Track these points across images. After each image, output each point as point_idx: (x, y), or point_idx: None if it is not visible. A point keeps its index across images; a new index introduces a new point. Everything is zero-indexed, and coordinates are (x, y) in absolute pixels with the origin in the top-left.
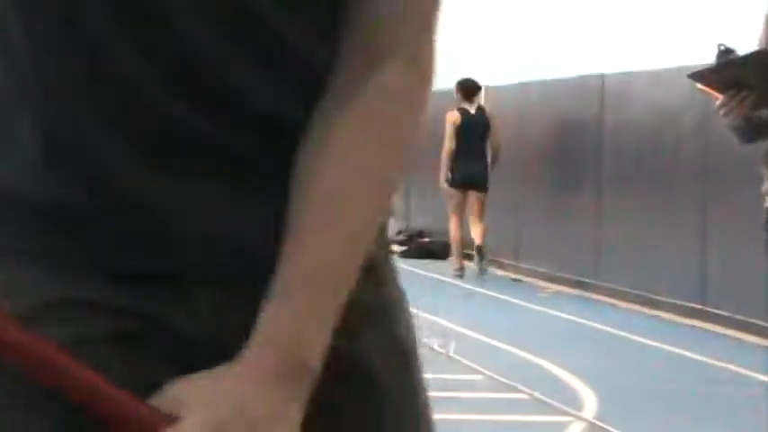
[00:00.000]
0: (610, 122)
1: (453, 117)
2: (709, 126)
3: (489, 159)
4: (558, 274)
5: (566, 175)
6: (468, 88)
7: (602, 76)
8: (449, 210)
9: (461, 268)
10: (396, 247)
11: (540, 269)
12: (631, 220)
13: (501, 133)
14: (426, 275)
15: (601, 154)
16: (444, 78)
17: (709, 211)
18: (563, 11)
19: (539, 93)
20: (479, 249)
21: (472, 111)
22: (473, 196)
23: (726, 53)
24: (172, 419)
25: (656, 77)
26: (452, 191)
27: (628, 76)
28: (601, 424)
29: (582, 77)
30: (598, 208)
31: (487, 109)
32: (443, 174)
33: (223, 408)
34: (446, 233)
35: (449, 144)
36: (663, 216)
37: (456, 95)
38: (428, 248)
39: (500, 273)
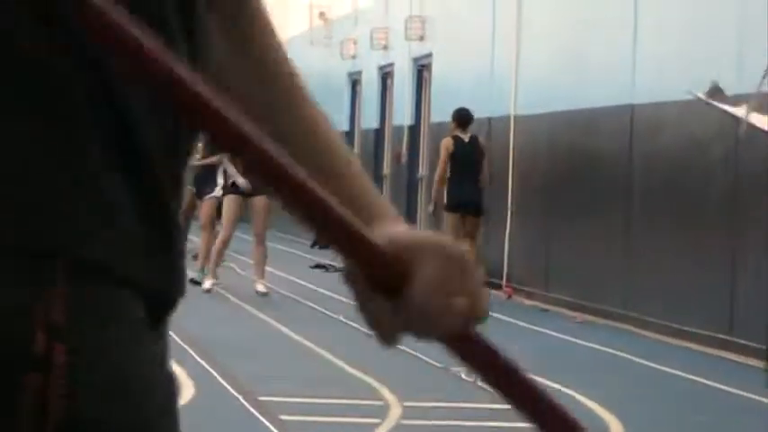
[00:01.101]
0: (639, 152)
1: (447, 144)
2: (739, 156)
3: (486, 181)
4: (587, 304)
5: (595, 204)
6: (462, 117)
7: (631, 107)
8: (448, 231)
9: None
10: None
11: (569, 298)
12: (660, 250)
13: (527, 162)
14: None
15: (630, 184)
16: (479, 107)
17: (739, 242)
18: (593, 41)
19: (569, 122)
20: None
21: (466, 139)
22: (468, 223)
23: (715, 91)
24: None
25: (686, 108)
26: (448, 215)
27: (658, 107)
28: None
29: (612, 108)
30: (627, 237)
31: (512, 139)
32: (434, 198)
33: (444, 252)
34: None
35: (441, 170)
36: (692, 246)
37: (451, 124)
38: None
39: (528, 302)
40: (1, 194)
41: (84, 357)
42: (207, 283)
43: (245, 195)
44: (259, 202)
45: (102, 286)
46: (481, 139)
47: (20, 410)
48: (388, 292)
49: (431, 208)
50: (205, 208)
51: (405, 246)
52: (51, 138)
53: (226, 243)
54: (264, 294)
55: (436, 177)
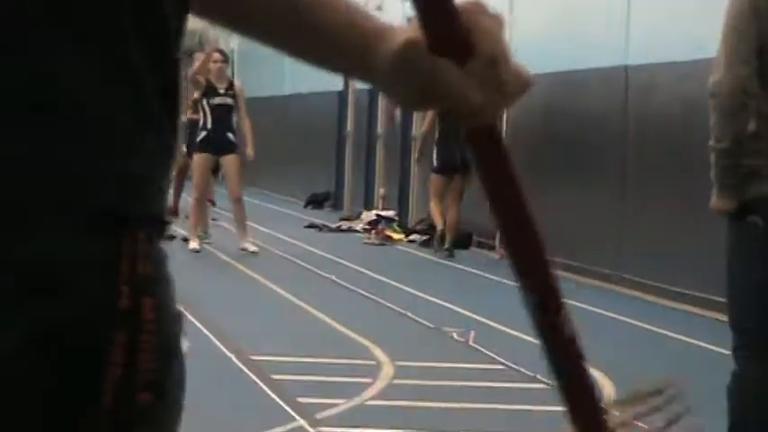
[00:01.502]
0: (633, 113)
1: None
2: None
3: None
4: (581, 266)
5: (589, 165)
6: None
7: (625, 68)
8: (431, 194)
9: (449, 249)
10: (416, 237)
11: (561, 259)
12: (654, 211)
13: (521, 123)
14: (447, 265)
15: (624, 145)
16: None
17: None
18: (587, 1)
19: (562, 84)
20: (444, 234)
21: None
22: (456, 181)
23: None
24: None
25: (681, 69)
26: (434, 176)
27: (652, 68)
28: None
29: (606, 69)
30: (621, 198)
31: None
32: (417, 154)
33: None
34: (468, 222)
35: (426, 126)
36: (686, 207)
37: None
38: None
39: None
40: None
41: (165, 311)
42: (192, 244)
43: (216, 153)
44: (230, 160)
45: (156, 234)
46: None
47: (110, 369)
48: (458, 60)
49: (417, 155)
50: None
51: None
52: (113, 95)
53: (200, 202)
54: (254, 253)
55: (421, 133)
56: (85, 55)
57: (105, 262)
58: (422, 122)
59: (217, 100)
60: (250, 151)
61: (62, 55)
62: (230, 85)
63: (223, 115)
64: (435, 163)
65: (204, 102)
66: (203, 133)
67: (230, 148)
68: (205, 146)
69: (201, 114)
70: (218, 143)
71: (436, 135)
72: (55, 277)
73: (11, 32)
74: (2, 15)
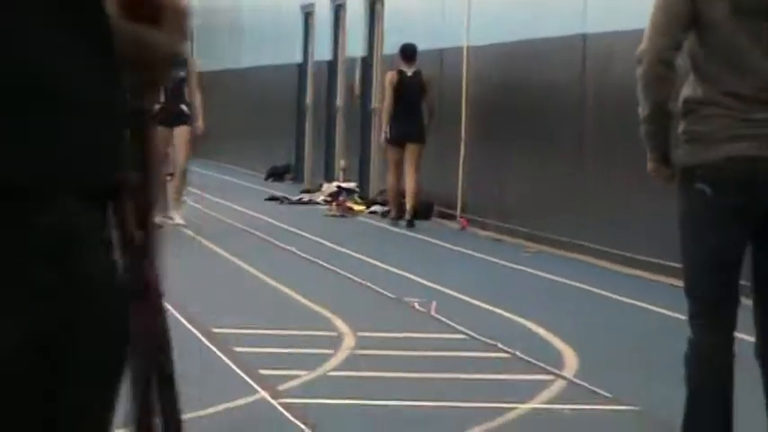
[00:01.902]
0: (592, 82)
1: (391, 77)
2: None
3: (426, 118)
4: (540, 234)
5: (548, 134)
6: (406, 52)
7: (584, 36)
8: (389, 163)
9: (397, 217)
10: (377, 208)
11: (523, 229)
12: (613, 180)
13: (480, 93)
14: (408, 235)
15: (583, 113)
16: (432, 40)
17: None
18: None
19: (521, 53)
20: (408, 202)
21: (409, 73)
22: (409, 149)
23: None
24: None
25: (638, 37)
26: (389, 147)
27: (609, 37)
28: (581, 382)
29: (564, 38)
30: (579, 167)
31: (465, 71)
32: (382, 131)
33: None
34: (429, 193)
35: (387, 102)
36: (644, 175)
37: (397, 58)
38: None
39: (483, 233)
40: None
41: None
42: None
43: (170, 125)
44: (181, 132)
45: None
46: (425, 74)
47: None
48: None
49: (382, 139)
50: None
51: None
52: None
53: None
54: (181, 225)
55: (383, 110)
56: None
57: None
58: (380, 95)
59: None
60: (200, 124)
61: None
62: (182, 59)
63: (175, 88)
64: (389, 134)
65: None
66: (156, 106)
67: (182, 119)
68: (159, 119)
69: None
70: (172, 115)
71: (391, 108)
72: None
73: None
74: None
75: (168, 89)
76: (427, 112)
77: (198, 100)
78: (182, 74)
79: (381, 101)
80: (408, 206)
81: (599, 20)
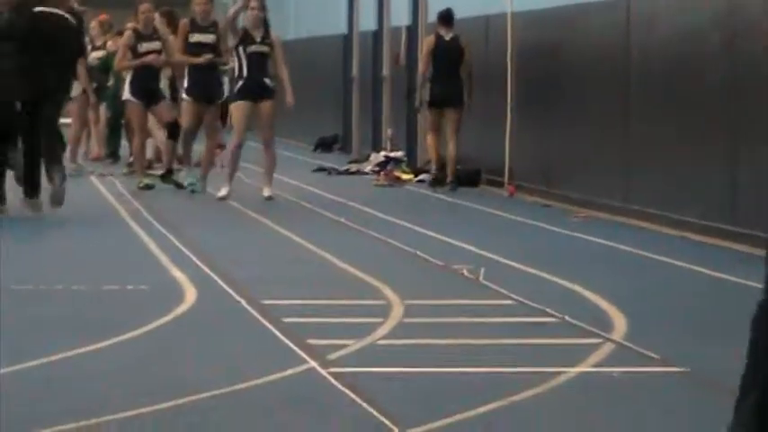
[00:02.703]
0: (636, 45)
1: (429, 42)
2: (736, 46)
3: (466, 82)
4: (589, 199)
5: (594, 99)
6: (444, 17)
7: (627, 0)
8: (427, 128)
9: (437, 180)
10: (425, 176)
11: (571, 195)
12: (660, 143)
13: (526, 59)
14: (456, 203)
15: (628, 77)
16: (476, 6)
17: (738, 133)
18: None
19: (566, 18)
20: (455, 162)
21: (447, 37)
22: (448, 115)
23: None
24: None
25: (682, 0)
26: (429, 111)
27: (653, 0)
28: (630, 345)
29: (608, 1)
30: (626, 131)
31: (510, 37)
32: (419, 95)
33: None
34: (477, 159)
35: (422, 66)
36: (691, 138)
37: (437, 23)
38: (458, 176)
39: (530, 198)
40: None
41: None
42: (222, 191)
43: (254, 100)
44: (266, 107)
45: None
46: (463, 39)
47: None
48: None
49: (417, 104)
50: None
51: None
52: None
53: (238, 148)
54: (270, 198)
55: (419, 74)
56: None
57: None
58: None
59: (252, 48)
60: (290, 99)
61: None
62: (266, 34)
63: (260, 62)
64: (428, 98)
65: (240, 50)
66: (240, 82)
67: (267, 94)
68: (243, 94)
69: (237, 62)
70: (256, 90)
71: (430, 73)
72: None
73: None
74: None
75: (251, 64)
76: (466, 76)
77: (285, 75)
78: (265, 49)
79: (421, 64)
80: (449, 171)
81: None
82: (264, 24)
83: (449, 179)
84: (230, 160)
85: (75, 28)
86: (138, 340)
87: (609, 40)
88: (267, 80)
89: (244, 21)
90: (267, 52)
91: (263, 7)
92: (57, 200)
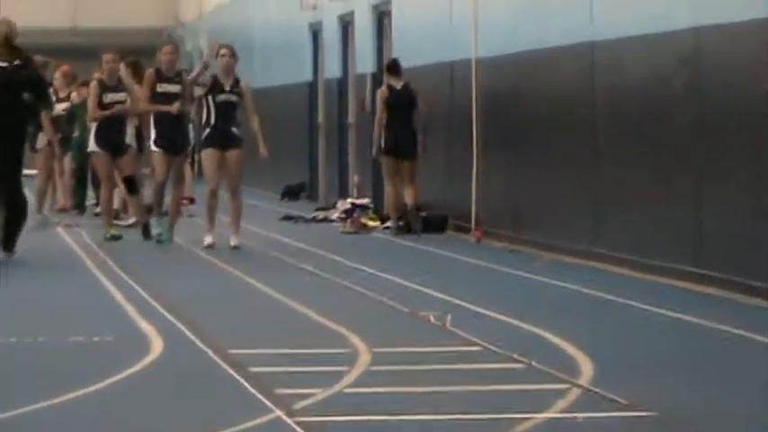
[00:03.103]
0: (602, 89)
1: (382, 92)
2: (702, 88)
3: (420, 129)
4: (555, 243)
5: (560, 143)
6: (392, 67)
7: (591, 44)
8: (384, 176)
9: (400, 228)
10: (391, 223)
11: (538, 239)
12: (626, 186)
13: (491, 104)
14: (423, 249)
15: (594, 120)
16: (440, 53)
17: (705, 175)
18: None
19: (530, 63)
20: (415, 208)
21: (398, 86)
22: (404, 163)
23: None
24: None
25: (646, 41)
26: (385, 158)
27: (617, 43)
28: (597, 390)
29: (572, 46)
30: (593, 175)
31: (475, 83)
32: (375, 144)
33: None
34: (443, 205)
35: (379, 116)
36: (657, 181)
37: (385, 74)
38: (425, 222)
39: (497, 244)
40: None
41: None
42: (208, 239)
43: (221, 149)
44: (234, 155)
45: None
46: (413, 86)
47: None
48: None
49: (374, 152)
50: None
51: None
52: None
53: (214, 195)
54: (236, 248)
55: (375, 124)
56: None
57: None
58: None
59: (222, 97)
60: (262, 150)
61: None
62: (236, 83)
63: (228, 111)
64: (384, 145)
65: (209, 98)
66: (207, 130)
67: (234, 143)
68: (211, 142)
69: (205, 111)
70: (224, 138)
71: (385, 121)
72: None
73: None
74: None
75: (219, 113)
76: (420, 125)
77: (256, 124)
78: (234, 98)
79: (377, 115)
80: (410, 216)
81: (606, 26)
82: (233, 73)
83: (412, 227)
84: (208, 206)
85: (34, 79)
86: (104, 392)
87: (575, 84)
88: (234, 129)
89: (215, 68)
90: (236, 101)
91: (233, 54)
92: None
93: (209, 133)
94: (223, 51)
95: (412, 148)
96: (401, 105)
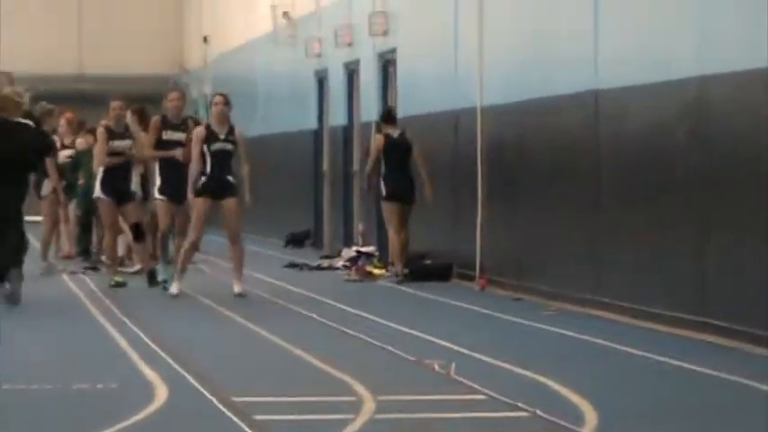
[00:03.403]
0: (606, 137)
1: (379, 140)
2: (705, 137)
3: (425, 180)
4: (560, 292)
5: (564, 191)
6: (387, 115)
7: (596, 92)
8: (387, 222)
9: (404, 276)
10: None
11: (543, 288)
12: (630, 235)
13: (496, 153)
14: (428, 297)
15: (598, 169)
16: (445, 101)
17: (707, 224)
18: (555, 29)
19: (535, 111)
20: (400, 256)
21: (395, 135)
22: (403, 209)
23: None
24: None
25: (650, 91)
26: (386, 203)
27: (621, 92)
28: None
29: (576, 94)
30: (596, 223)
31: (480, 131)
32: (367, 188)
33: None
34: (448, 254)
35: (370, 163)
36: (661, 230)
37: (381, 123)
38: (430, 270)
39: (501, 292)
40: None
41: None
42: (173, 288)
43: (215, 198)
44: (230, 204)
45: None
46: (409, 134)
47: None
48: None
49: (366, 188)
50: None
51: None
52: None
53: (195, 246)
54: (241, 295)
55: (367, 171)
56: None
57: None
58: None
59: (217, 146)
60: (248, 198)
61: None
62: (230, 131)
63: (223, 160)
64: (384, 192)
65: (204, 147)
66: (203, 178)
67: (230, 191)
68: (205, 190)
69: (201, 160)
70: (219, 187)
71: (382, 170)
72: None
73: None
74: None
75: (214, 162)
76: (425, 173)
77: (246, 173)
78: (229, 147)
79: (369, 161)
80: (400, 258)
81: (611, 75)
82: (228, 121)
83: (400, 270)
84: (184, 254)
85: (33, 132)
86: None
87: (578, 133)
88: (230, 177)
89: (208, 117)
90: (231, 150)
91: (227, 102)
92: (15, 299)
93: (205, 182)
94: (217, 99)
95: (410, 194)
96: (398, 153)
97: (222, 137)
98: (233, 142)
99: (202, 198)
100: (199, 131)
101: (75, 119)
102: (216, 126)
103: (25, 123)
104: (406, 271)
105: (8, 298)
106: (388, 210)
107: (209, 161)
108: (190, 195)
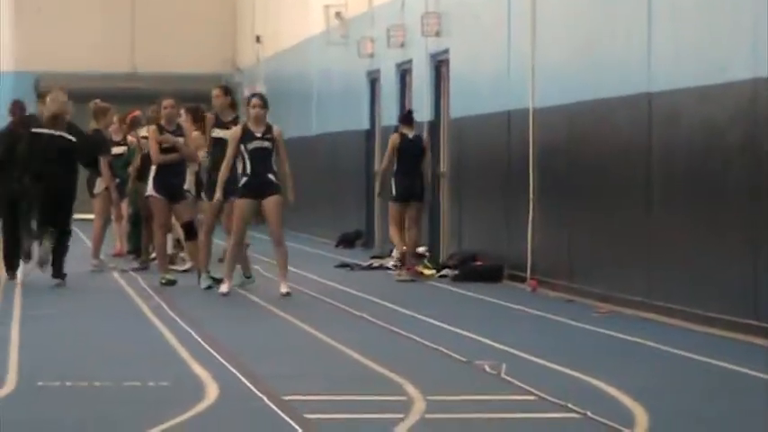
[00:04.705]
0: (658, 140)
1: (394, 139)
2: (758, 140)
3: (429, 176)
4: (611, 294)
5: (616, 193)
6: (405, 117)
7: (648, 95)
8: (390, 220)
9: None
10: (448, 272)
11: (594, 289)
12: (682, 237)
13: (547, 154)
14: (478, 298)
15: (650, 171)
16: (498, 102)
17: (760, 226)
18: (608, 30)
19: (587, 113)
20: (415, 255)
21: (410, 136)
22: (412, 207)
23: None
24: None
25: (703, 93)
26: (392, 204)
27: (674, 94)
28: None
29: (629, 97)
30: (648, 225)
31: (531, 132)
32: (379, 185)
33: None
34: (499, 255)
35: (386, 161)
36: (713, 232)
37: (399, 123)
38: (480, 271)
39: (552, 293)
40: None
41: None
42: (223, 287)
43: (257, 197)
44: (271, 202)
45: None
46: (425, 137)
47: None
48: None
49: (378, 192)
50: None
51: None
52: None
53: (238, 246)
54: (288, 294)
55: (381, 168)
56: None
57: None
58: (447, 158)
59: (254, 144)
60: (290, 196)
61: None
62: (268, 129)
63: (262, 158)
64: (394, 192)
65: (242, 147)
66: (244, 179)
67: (272, 189)
68: (246, 191)
69: (240, 160)
70: (260, 186)
71: (394, 168)
72: None
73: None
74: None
75: (254, 161)
76: (428, 172)
77: (286, 169)
78: (267, 144)
79: (384, 159)
80: (408, 257)
81: (663, 77)
82: (265, 122)
83: (407, 266)
84: (231, 255)
85: (74, 144)
86: None
87: (631, 135)
88: (271, 176)
89: (246, 118)
90: (269, 147)
91: (264, 104)
92: (44, 260)
93: (246, 182)
94: (254, 102)
95: (420, 193)
96: (411, 154)
97: (259, 135)
98: (270, 140)
99: (244, 200)
100: (235, 131)
101: (133, 117)
102: (253, 126)
103: (65, 137)
104: (409, 266)
105: (39, 260)
106: (395, 210)
107: (248, 160)
108: (218, 194)
